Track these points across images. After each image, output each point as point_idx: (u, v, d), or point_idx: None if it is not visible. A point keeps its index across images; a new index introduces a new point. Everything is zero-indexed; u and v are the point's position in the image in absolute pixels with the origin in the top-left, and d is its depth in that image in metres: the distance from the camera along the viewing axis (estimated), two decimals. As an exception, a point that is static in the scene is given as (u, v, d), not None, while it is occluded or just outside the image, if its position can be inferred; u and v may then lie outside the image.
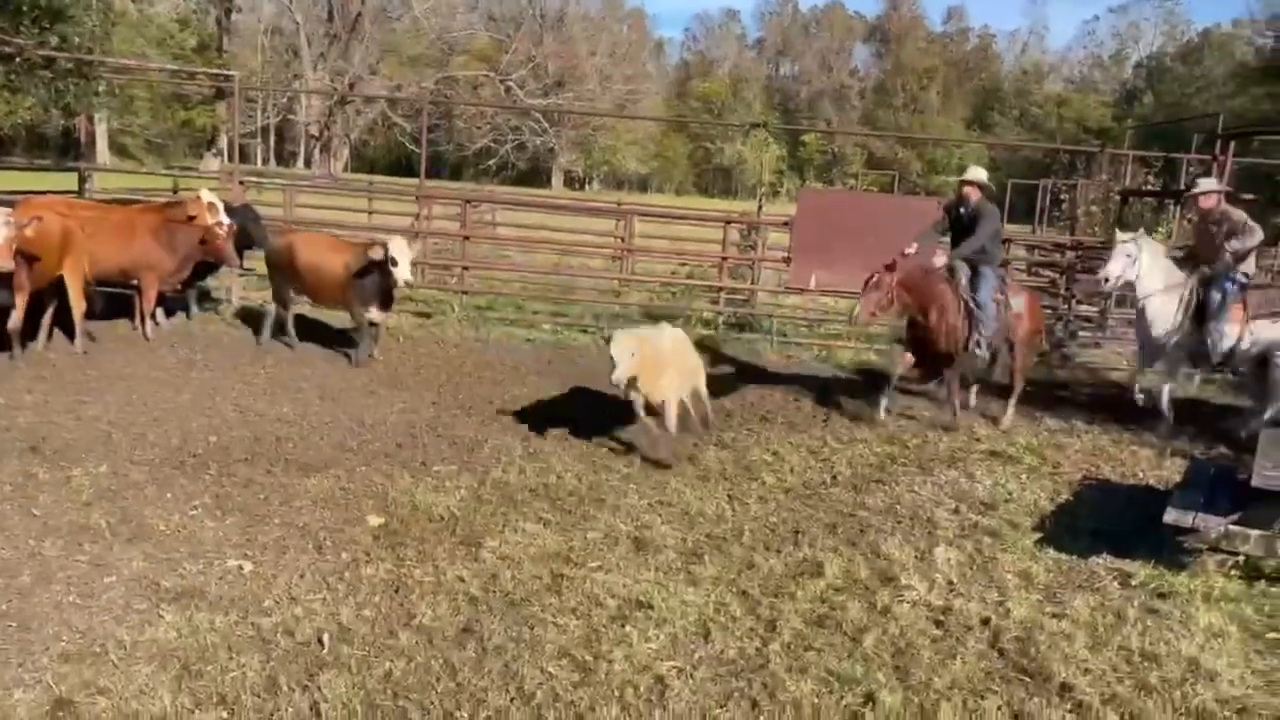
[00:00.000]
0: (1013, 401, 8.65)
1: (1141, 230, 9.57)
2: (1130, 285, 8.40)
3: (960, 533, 5.79)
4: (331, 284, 9.24)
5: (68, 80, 12.88)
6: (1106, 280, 8.33)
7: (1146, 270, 8.30)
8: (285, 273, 9.56)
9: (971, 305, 8.08)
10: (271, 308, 9.81)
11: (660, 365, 6.75)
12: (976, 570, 5.22)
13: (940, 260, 8.14)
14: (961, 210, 8.37)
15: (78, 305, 8.64)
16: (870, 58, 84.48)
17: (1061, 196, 20.31)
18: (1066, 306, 12.40)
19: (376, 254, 8.82)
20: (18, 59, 12.07)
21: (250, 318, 10.58)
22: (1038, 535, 5.79)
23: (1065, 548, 5.55)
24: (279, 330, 9.78)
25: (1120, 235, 8.60)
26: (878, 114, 75.79)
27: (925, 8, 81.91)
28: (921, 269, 8.06)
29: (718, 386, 9.24)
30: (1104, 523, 6.02)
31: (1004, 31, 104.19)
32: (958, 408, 8.39)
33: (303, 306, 10.17)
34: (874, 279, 7.85)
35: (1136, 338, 9.02)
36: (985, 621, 4.58)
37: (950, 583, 5.01)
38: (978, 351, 8.18)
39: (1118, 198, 16.11)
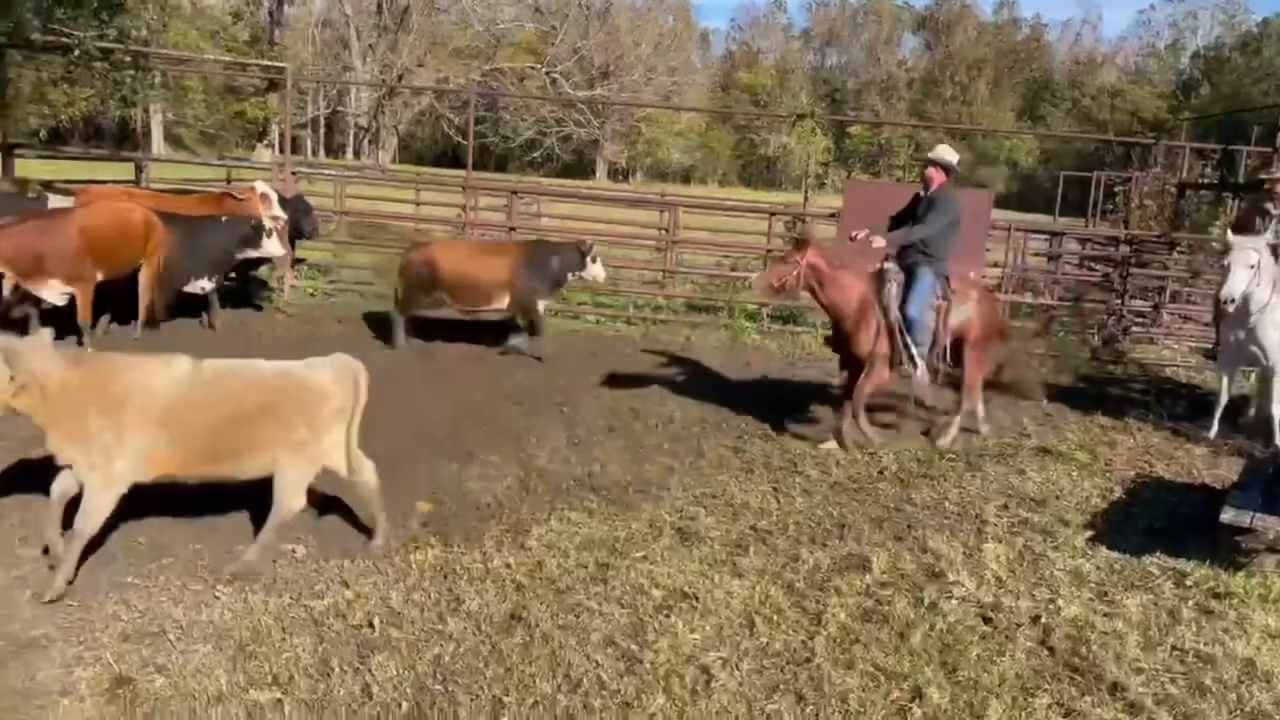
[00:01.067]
0: (958, 418, 7.55)
1: (1229, 231, 8.24)
2: (1248, 299, 7.49)
3: (1009, 529, 5.73)
4: (490, 286, 9.42)
5: (125, 72, 13.14)
6: (1231, 301, 7.36)
7: (1267, 277, 7.44)
8: (427, 282, 9.52)
9: (898, 320, 7.10)
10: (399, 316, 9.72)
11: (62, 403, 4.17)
12: (1026, 567, 5.16)
13: (879, 242, 7.17)
14: (922, 195, 7.43)
15: (146, 294, 8.83)
16: (919, 48, 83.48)
17: (1115, 189, 19.93)
18: (1120, 301, 12.19)
19: (583, 250, 9.65)
20: (76, 51, 12.32)
21: (302, 308, 10.73)
22: (1089, 533, 5.70)
23: (1117, 546, 5.47)
24: (404, 335, 9.76)
25: (1235, 239, 7.54)
26: (926, 105, 74.81)
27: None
28: (842, 257, 7.27)
29: (761, 379, 9.24)
30: (1158, 521, 5.94)
31: (1056, 21, 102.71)
32: (852, 425, 7.23)
33: (339, 296, 10.26)
34: (783, 253, 7.19)
35: (1235, 355, 7.95)
36: (1035, 619, 4.54)
37: (999, 579, 4.96)
38: (910, 371, 7.19)
39: (1174, 191, 15.79)
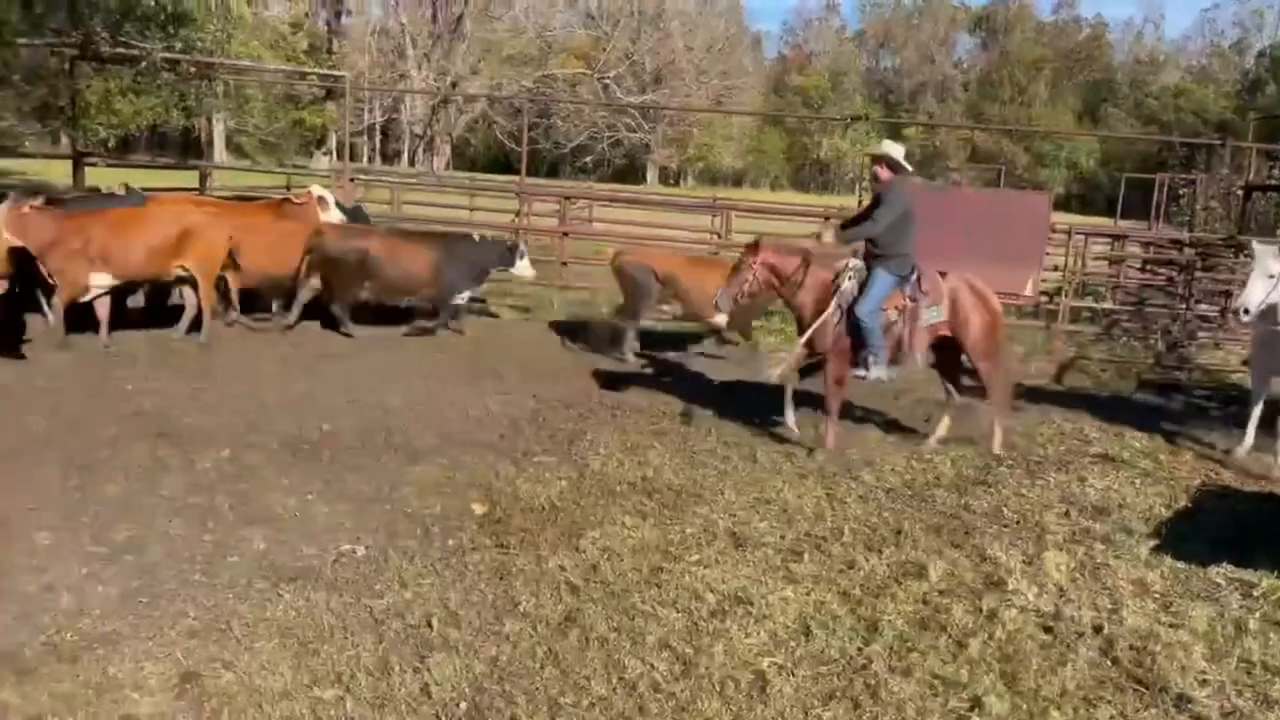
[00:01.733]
0: (996, 420, 7.41)
1: None
2: (1274, 309, 7.15)
3: (1070, 538, 5.63)
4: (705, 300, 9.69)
5: (190, 83, 13.49)
6: (1246, 311, 7.09)
7: None
8: (651, 291, 9.99)
9: (851, 318, 6.98)
10: (630, 326, 10.13)
11: None
12: (1088, 577, 5.07)
13: (828, 237, 7.30)
14: (876, 194, 7.36)
15: (206, 300, 9.06)
16: (975, 48, 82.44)
17: (1180, 192, 19.50)
18: (1184, 306, 11.91)
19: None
20: (144, 63, 12.70)
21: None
22: (1153, 542, 5.58)
23: (1183, 556, 5.35)
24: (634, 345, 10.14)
25: (1257, 246, 7.29)
26: (982, 106, 73.86)
27: (1034, -4, 78.84)
28: (800, 254, 7.22)
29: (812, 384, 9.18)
30: (1224, 531, 5.80)
31: (1118, 20, 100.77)
32: (831, 426, 7.22)
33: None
34: (737, 264, 7.23)
35: (1267, 368, 7.66)
36: (1098, 629, 4.46)
37: (1060, 588, 4.88)
38: (867, 374, 7.06)
39: (1240, 193, 15.41)
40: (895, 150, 7.23)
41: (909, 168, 7.32)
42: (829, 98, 73.66)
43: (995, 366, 7.39)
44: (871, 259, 7.09)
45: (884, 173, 7.21)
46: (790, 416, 7.49)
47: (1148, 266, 14.46)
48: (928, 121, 67.86)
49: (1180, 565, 5.25)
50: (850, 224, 7.44)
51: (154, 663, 3.80)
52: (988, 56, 79.16)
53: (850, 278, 7.05)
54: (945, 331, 7.25)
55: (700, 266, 10.23)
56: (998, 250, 10.84)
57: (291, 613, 4.21)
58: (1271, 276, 7.08)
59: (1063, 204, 48.80)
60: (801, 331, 7.24)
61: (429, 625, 4.17)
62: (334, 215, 10.37)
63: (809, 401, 7.72)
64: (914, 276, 7.09)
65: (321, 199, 10.36)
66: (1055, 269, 12.62)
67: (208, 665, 3.79)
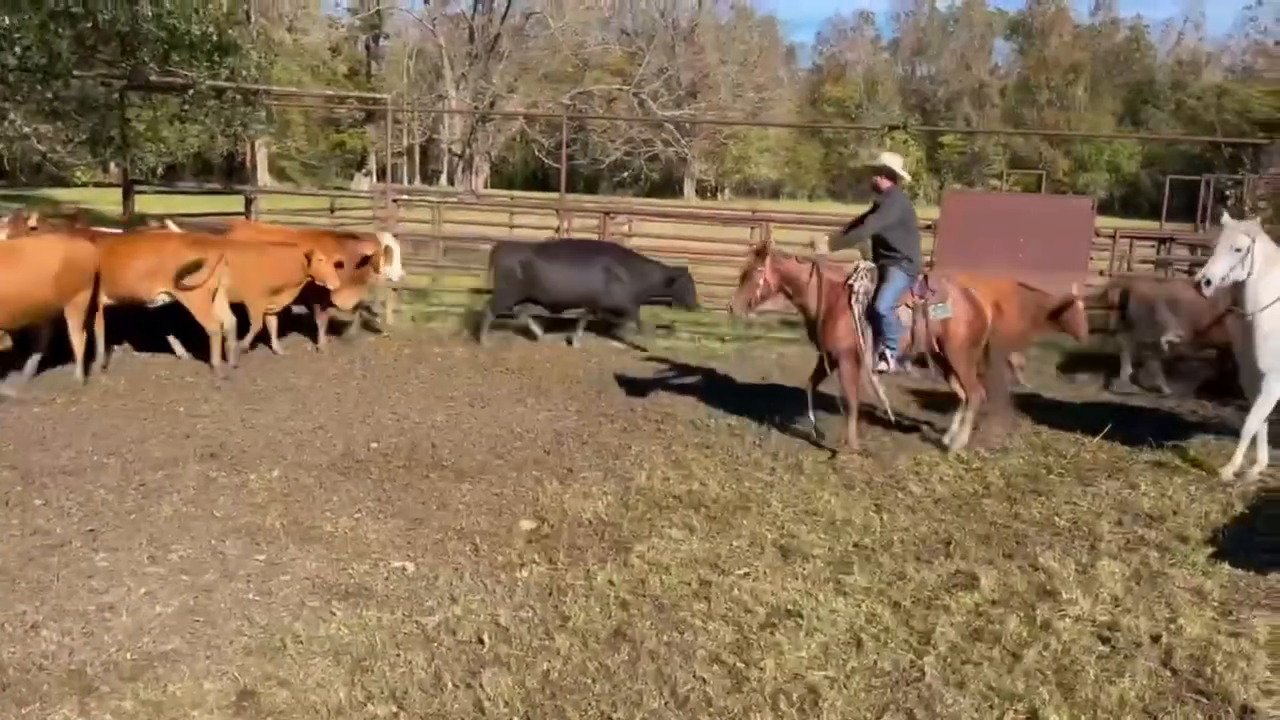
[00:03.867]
0: (961, 419, 7.56)
1: (1257, 219, 7.35)
2: (1240, 288, 6.76)
3: (1125, 546, 5.54)
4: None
5: (236, 109, 13.77)
6: (1207, 283, 6.66)
7: (1262, 269, 6.66)
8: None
9: (869, 314, 7.24)
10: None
11: None
12: (1144, 585, 4.98)
13: (822, 248, 7.51)
14: (875, 203, 7.57)
15: (206, 322, 8.91)
16: (1012, 54, 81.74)
17: (1226, 193, 19.14)
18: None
19: None
20: (191, 91, 12.99)
21: (401, 331, 11.05)
22: (1210, 550, 5.48)
23: (1241, 563, 5.25)
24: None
25: (1228, 222, 6.93)
26: (1020, 111, 73.17)
27: (1071, -1, 77.88)
28: (807, 259, 7.48)
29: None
30: (1284, 537, 5.67)
31: (1157, 21, 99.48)
32: (853, 428, 7.37)
33: (437, 320, 10.47)
34: (747, 271, 7.44)
35: (1240, 364, 7.33)
36: (1155, 639, 4.38)
37: (1115, 598, 4.80)
38: (883, 366, 7.31)
39: (1291, 191, 15.11)
40: (894, 161, 7.49)
41: (906, 177, 7.57)
42: (865, 107, 73.40)
43: (970, 369, 7.50)
44: (885, 261, 7.34)
45: (884, 182, 7.45)
46: (811, 417, 7.64)
47: (1195, 269, 14.20)
48: (965, 129, 67.32)
49: (1239, 572, 5.16)
50: (847, 230, 7.76)
51: (212, 680, 3.85)
52: (1025, 61, 78.43)
53: (864, 277, 7.34)
54: (941, 331, 7.39)
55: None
56: (1042, 256, 10.73)
57: (344, 630, 4.26)
58: (1238, 250, 6.68)
59: (1106, 208, 48.18)
60: (815, 335, 7.52)
61: (480, 641, 4.20)
62: (397, 270, 10.29)
63: (829, 404, 7.82)
64: (922, 277, 7.42)
65: (388, 249, 10.25)
66: (1100, 274, 12.45)
67: (264, 683, 3.84)
